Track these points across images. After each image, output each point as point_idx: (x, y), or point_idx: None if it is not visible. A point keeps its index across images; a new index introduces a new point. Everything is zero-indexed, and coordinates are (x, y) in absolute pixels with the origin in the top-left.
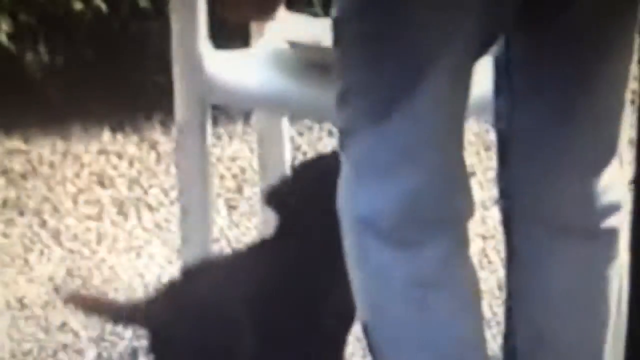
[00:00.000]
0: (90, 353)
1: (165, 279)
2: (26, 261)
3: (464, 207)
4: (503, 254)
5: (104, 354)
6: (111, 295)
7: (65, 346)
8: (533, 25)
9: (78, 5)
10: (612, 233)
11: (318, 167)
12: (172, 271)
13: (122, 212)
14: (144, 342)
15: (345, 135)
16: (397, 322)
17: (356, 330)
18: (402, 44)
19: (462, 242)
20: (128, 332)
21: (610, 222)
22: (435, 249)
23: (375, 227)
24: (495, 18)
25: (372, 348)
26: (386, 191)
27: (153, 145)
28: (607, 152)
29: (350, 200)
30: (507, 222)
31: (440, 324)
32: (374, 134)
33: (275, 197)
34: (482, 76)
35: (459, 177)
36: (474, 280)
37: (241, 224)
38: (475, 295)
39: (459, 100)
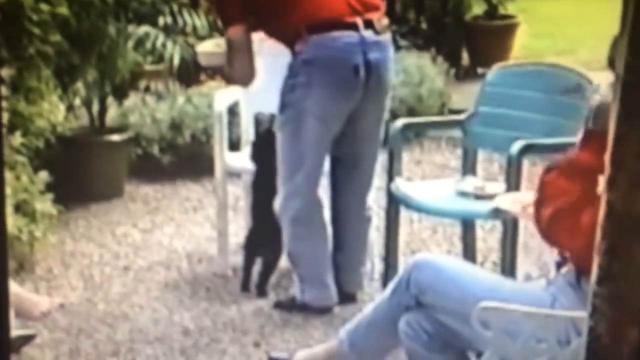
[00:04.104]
0: None
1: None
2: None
3: (319, 205)
4: None
5: None
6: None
7: None
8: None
9: (180, 140)
10: (370, 215)
11: (265, 136)
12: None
13: (196, 208)
14: None
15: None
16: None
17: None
18: (298, 146)
19: (323, 218)
20: None
21: (369, 211)
22: (316, 221)
23: (291, 214)
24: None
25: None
26: (294, 201)
27: (204, 186)
28: (368, 182)
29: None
30: (335, 211)
31: (317, 237)
32: (289, 183)
33: (253, 153)
34: None
35: (317, 198)
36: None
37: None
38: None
39: (320, 169)
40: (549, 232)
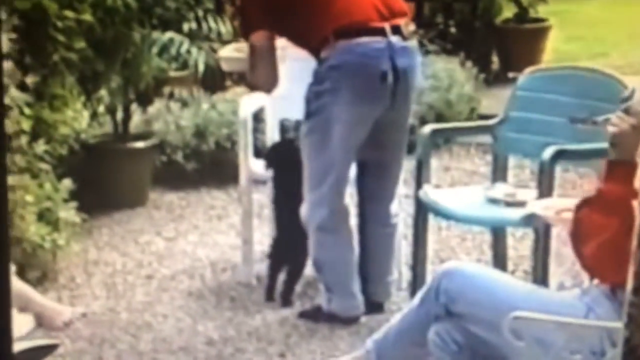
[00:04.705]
0: None
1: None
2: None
3: (346, 213)
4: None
5: None
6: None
7: None
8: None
9: (204, 146)
10: (396, 223)
11: (287, 144)
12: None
13: (221, 216)
14: None
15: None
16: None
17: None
18: (325, 154)
19: (350, 226)
20: None
21: (395, 218)
22: (342, 229)
23: (317, 222)
24: (364, 131)
25: (316, 264)
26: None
27: (228, 193)
28: (393, 190)
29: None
30: (362, 219)
31: (343, 245)
32: (316, 191)
33: (268, 160)
34: None
35: (344, 206)
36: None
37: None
38: (351, 237)
39: (346, 177)
40: (594, 267)
